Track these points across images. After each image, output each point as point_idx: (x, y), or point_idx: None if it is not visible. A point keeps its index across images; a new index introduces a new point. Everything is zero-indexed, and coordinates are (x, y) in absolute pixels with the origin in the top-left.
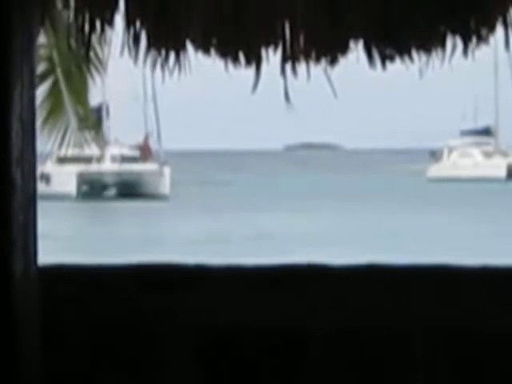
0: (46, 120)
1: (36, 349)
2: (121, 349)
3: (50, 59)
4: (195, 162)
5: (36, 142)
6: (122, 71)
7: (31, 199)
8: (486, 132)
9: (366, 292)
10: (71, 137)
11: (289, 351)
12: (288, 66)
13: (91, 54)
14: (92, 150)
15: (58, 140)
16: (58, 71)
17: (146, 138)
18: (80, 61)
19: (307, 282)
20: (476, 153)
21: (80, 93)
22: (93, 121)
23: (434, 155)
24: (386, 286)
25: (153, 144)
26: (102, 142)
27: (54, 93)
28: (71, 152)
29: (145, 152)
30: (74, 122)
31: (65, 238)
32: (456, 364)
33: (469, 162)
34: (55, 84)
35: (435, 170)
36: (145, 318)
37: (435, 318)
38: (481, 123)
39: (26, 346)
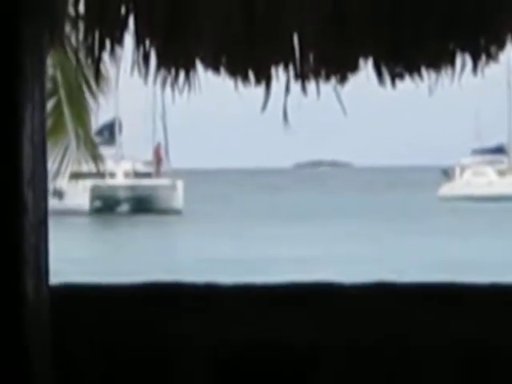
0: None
1: (47, 369)
2: (132, 369)
3: (53, 79)
4: (204, 180)
5: (47, 162)
6: (133, 90)
7: (43, 219)
8: (499, 150)
9: (376, 309)
10: (71, 155)
11: (300, 367)
12: (296, 85)
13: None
14: (105, 165)
15: (59, 158)
16: (61, 92)
17: (158, 147)
18: (85, 81)
19: (317, 299)
20: (490, 171)
21: (81, 113)
22: (91, 142)
23: (447, 174)
24: (395, 304)
25: (163, 154)
26: (99, 161)
27: (56, 112)
28: (84, 168)
29: (157, 158)
30: (73, 142)
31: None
32: (464, 380)
33: (483, 180)
34: (58, 104)
35: (447, 189)
36: (156, 337)
37: (444, 336)
38: (490, 141)
39: (37, 365)
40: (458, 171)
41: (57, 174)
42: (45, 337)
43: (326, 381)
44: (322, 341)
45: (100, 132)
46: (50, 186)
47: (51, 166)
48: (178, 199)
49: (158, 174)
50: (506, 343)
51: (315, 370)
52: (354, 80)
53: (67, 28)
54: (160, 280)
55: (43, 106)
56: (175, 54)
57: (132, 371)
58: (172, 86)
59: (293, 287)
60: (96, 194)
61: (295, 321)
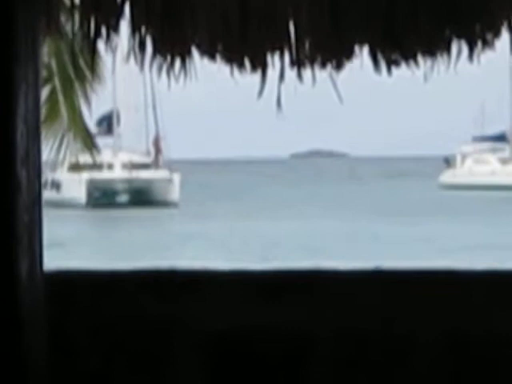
0: None
1: (43, 350)
2: (126, 353)
3: (48, 67)
4: (201, 171)
5: (41, 142)
6: (130, 79)
7: (36, 199)
8: (501, 138)
9: (372, 296)
10: (64, 145)
11: (294, 354)
12: (292, 72)
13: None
14: (104, 157)
15: (53, 147)
16: (56, 80)
17: (157, 138)
18: (80, 69)
19: (313, 286)
20: (492, 159)
21: (77, 102)
22: (86, 131)
23: (448, 162)
24: (391, 290)
25: (162, 144)
26: (94, 151)
27: (51, 100)
28: (82, 159)
29: (156, 149)
30: (68, 131)
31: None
32: (459, 367)
33: (485, 168)
34: (52, 92)
35: (448, 177)
36: (151, 321)
37: (440, 322)
38: (492, 130)
39: (33, 346)
40: (459, 159)
41: (53, 164)
42: (39, 318)
43: (318, 368)
44: (316, 327)
45: (99, 123)
46: (48, 178)
47: (47, 156)
48: (175, 192)
49: (156, 165)
50: (504, 328)
51: (308, 357)
52: (349, 67)
53: (63, 15)
54: (156, 266)
55: (37, 87)
56: (171, 40)
57: (127, 357)
58: (168, 73)
59: (288, 274)
60: (92, 186)
61: (292, 307)
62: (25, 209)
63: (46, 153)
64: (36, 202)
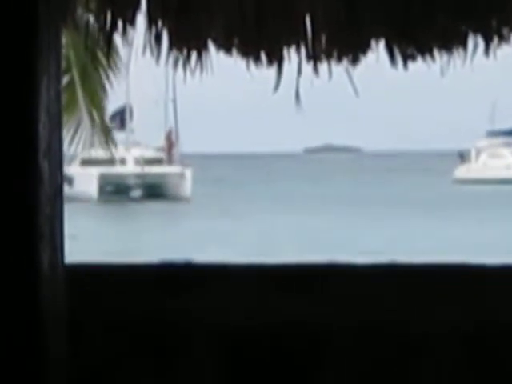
0: None
1: (63, 343)
2: (142, 346)
3: (66, 58)
4: (213, 165)
5: (62, 133)
6: (145, 75)
7: (58, 191)
8: None
9: (388, 290)
10: (82, 137)
11: (310, 348)
12: (309, 66)
13: (112, 54)
14: (117, 152)
15: (69, 139)
16: (74, 71)
17: (170, 132)
18: (97, 62)
19: (328, 280)
20: (507, 153)
21: (95, 94)
22: (104, 124)
23: (463, 157)
24: (407, 285)
25: (175, 139)
26: (111, 145)
27: (69, 92)
28: (94, 154)
29: (169, 144)
30: (86, 123)
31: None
32: (474, 362)
33: (500, 162)
34: (70, 83)
35: (463, 172)
36: (164, 316)
37: (456, 317)
38: (505, 124)
39: (53, 339)
40: (473, 153)
41: (68, 157)
42: (60, 311)
43: (333, 363)
44: (331, 322)
45: (113, 118)
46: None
47: (65, 149)
48: (187, 187)
49: (169, 160)
50: None
51: (323, 352)
52: (365, 62)
53: (80, 7)
54: (172, 260)
55: (58, 78)
56: (187, 34)
57: (142, 350)
58: (184, 66)
59: (303, 268)
60: (104, 181)
61: (308, 301)
62: (47, 201)
63: (64, 145)
64: (57, 194)
